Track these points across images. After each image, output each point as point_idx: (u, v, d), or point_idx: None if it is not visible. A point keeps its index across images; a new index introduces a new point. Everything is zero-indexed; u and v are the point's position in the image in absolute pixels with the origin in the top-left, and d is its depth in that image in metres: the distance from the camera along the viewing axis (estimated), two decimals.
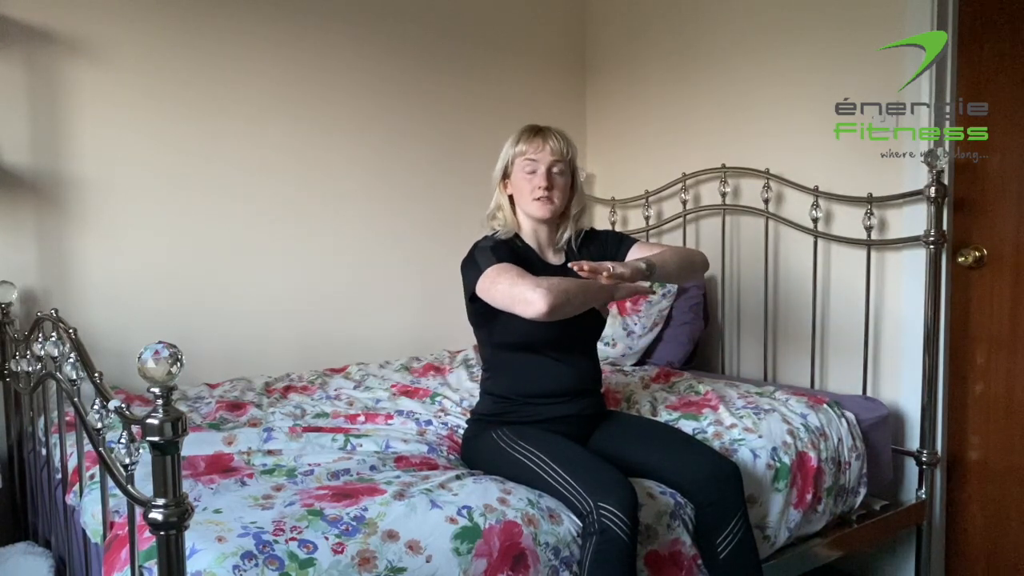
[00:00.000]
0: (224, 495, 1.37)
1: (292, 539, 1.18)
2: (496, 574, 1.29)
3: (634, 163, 3.02)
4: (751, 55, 2.57)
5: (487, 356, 1.75)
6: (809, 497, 1.81)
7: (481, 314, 1.65)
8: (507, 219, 1.75)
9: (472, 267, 1.63)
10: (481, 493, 1.39)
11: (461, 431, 1.82)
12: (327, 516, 1.25)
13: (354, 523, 1.24)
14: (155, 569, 0.96)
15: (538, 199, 1.67)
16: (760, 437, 1.80)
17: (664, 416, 1.95)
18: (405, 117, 2.77)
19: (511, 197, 1.76)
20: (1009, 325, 2.14)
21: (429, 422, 1.90)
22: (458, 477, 1.47)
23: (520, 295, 1.47)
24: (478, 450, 1.65)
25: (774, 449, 1.79)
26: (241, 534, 1.17)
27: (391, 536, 1.24)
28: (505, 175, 1.75)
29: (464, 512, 1.32)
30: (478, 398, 1.78)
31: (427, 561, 1.24)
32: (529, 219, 1.73)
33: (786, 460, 1.78)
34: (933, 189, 2.05)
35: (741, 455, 1.74)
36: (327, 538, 1.20)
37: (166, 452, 0.90)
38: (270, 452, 1.62)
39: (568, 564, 1.36)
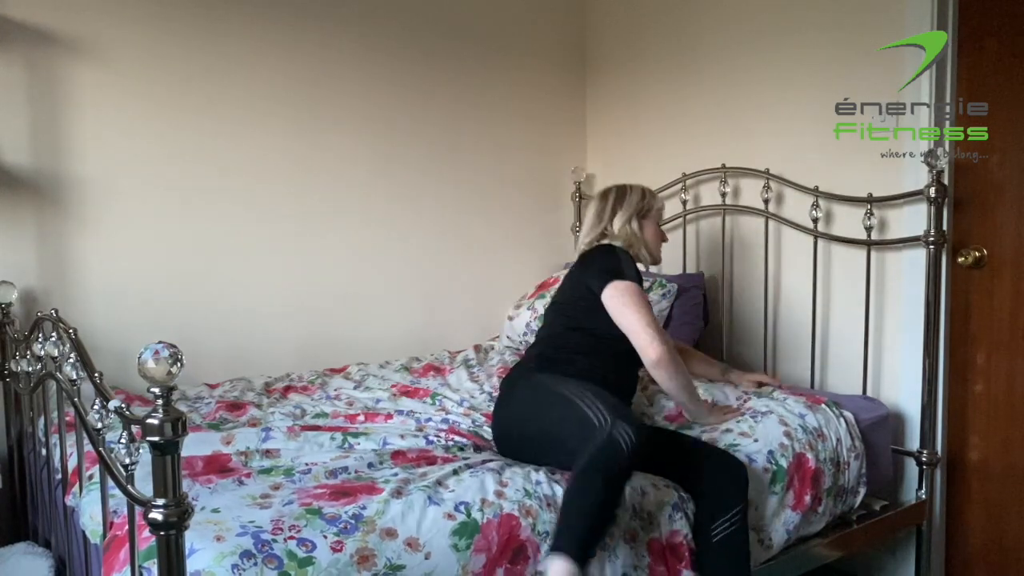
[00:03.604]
0: (222, 495, 1.37)
1: (291, 538, 1.18)
2: (495, 568, 1.30)
3: (634, 163, 3.01)
4: (751, 55, 2.57)
5: (588, 337, 1.85)
6: (808, 498, 1.80)
7: None
8: (645, 249, 2.02)
9: (614, 262, 1.85)
10: (478, 487, 1.39)
11: (461, 426, 1.83)
12: (325, 515, 1.25)
13: (352, 521, 1.24)
14: (154, 569, 0.96)
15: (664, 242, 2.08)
16: (756, 441, 1.80)
17: (659, 422, 1.95)
18: (405, 118, 2.77)
19: None
20: (1009, 325, 2.14)
21: (429, 419, 1.91)
22: (455, 472, 1.48)
23: (651, 330, 1.75)
24: (522, 392, 1.73)
25: (771, 452, 1.78)
26: (240, 533, 1.17)
27: (389, 534, 1.24)
28: (642, 215, 2.02)
29: (462, 508, 1.33)
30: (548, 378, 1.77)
31: (426, 558, 1.24)
32: (643, 255, 2.02)
33: (783, 463, 1.78)
34: (933, 189, 2.05)
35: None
36: (326, 536, 1.20)
37: (166, 452, 0.90)
38: (268, 452, 1.62)
39: None
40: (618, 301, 1.80)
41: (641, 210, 2.03)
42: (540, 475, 1.50)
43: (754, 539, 1.67)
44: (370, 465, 1.55)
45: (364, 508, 1.28)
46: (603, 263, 1.88)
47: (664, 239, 2.08)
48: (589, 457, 1.40)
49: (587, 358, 1.80)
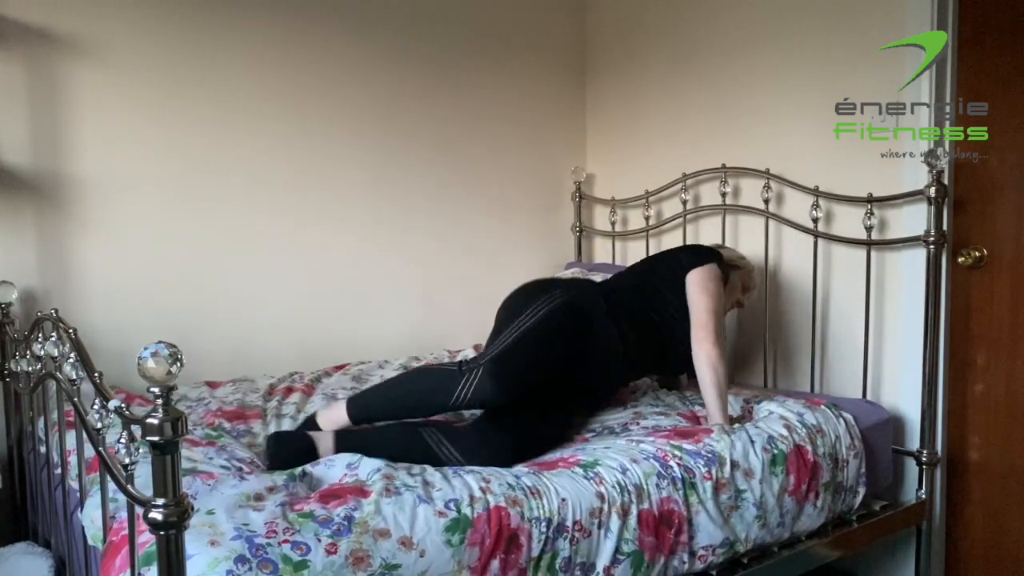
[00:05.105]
0: (220, 491, 1.36)
1: (285, 541, 1.18)
2: (491, 560, 1.31)
3: (634, 163, 3.01)
4: (751, 55, 2.56)
5: (644, 305, 1.99)
6: (804, 488, 1.80)
7: None
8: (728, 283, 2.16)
9: (715, 254, 2.03)
10: (463, 485, 1.41)
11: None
12: (318, 517, 1.25)
13: (345, 523, 1.24)
14: (151, 574, 0.96)
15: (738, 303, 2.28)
16: (756, 426, 1.82)
17: (665, 423, 1.96)
18: (405, 118, 2.77)
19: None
20: (1009, 325, 2.13)
21: None
22: (438, 470, 1.51)
23: (714, 325, 1.89)
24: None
25: (770, 437, 1.79)
26: (234, 536, 1.16)
27: (382, 534, 1.24)
28: (734, 267, 2.17)
29: (452, 505, 1.34)
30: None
31: (421, 555, 1.25)
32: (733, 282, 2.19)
33: (783, 448, 1.78)
34: (933, 189, 2.04)
35: (734, 438, 1.75)
36: (320, 539, 1.20)
37: (166, 452, 0.90)
38: None
39: (561, 531, 1.40)
40: (700, 286, 1.94)
41: (734, 265, 2.19)
42: (521, 467, 1.55)
43: (753, 514, 1.68)
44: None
45: (356, 509, 1.28)
46: (704, 250, 2.07)
47: (740, 303, 2.27)
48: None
49: (619, 319, 1.92)
